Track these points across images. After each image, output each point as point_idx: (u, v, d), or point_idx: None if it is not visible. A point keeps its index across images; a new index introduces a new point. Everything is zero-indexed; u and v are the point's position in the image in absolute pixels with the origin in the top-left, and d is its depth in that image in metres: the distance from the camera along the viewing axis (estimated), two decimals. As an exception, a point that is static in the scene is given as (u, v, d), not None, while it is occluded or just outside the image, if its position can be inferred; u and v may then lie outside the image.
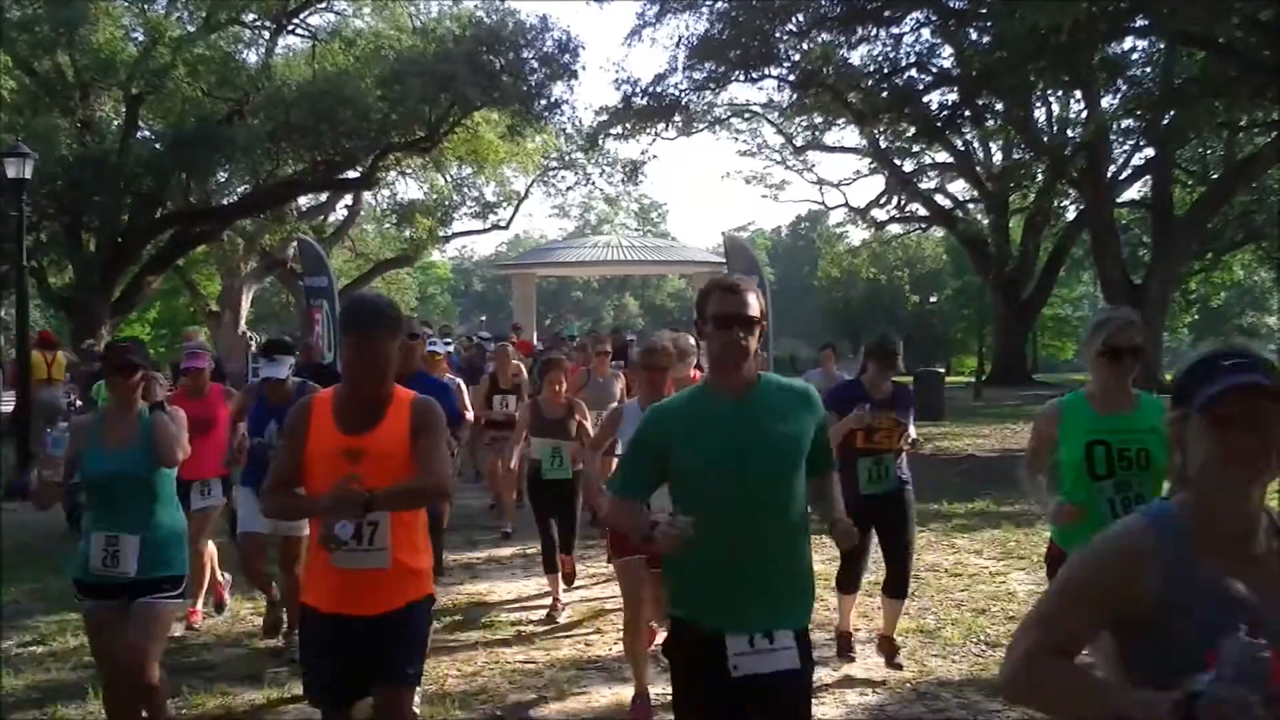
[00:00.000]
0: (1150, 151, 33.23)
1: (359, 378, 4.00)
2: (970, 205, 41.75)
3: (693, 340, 8.20)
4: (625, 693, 6.67)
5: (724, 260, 23.46)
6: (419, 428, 4.02)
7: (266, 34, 30.89)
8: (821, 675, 6.96)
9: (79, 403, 19.82)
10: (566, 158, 38.76)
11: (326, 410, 4.04)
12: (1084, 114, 33.32)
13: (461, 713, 6.40)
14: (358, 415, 3.99)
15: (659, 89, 31.62)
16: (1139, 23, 25.87)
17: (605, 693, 6.78)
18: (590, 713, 6.47)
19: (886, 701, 6.57)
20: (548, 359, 9.66)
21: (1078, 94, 33.48)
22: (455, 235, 44.59)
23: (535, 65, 28.81)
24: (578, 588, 9.35)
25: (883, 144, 36.48)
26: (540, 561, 9.21)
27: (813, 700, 4.38)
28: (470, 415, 10.85)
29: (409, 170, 35.84)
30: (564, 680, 7.04)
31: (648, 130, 33.76)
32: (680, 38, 31.34)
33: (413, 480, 3.95)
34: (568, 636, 8.05)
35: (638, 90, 31.63)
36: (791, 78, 32.37)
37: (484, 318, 55.39)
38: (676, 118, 33.51)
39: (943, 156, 38.85)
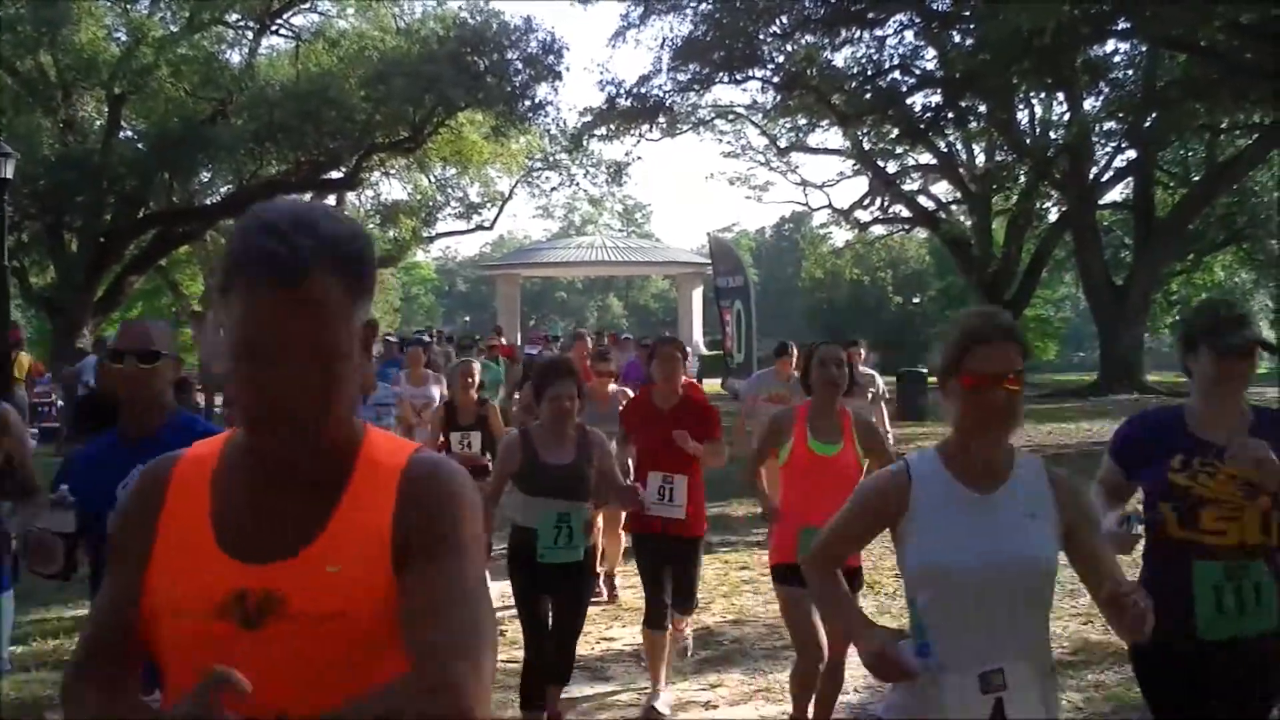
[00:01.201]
0: (1132, 154, 33.37)
1: (264, 407, 1.63)
2: (953, 207, 41.79)
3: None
4: (606, 692, 6.70)
5: (709, 261, 23.50)
6: (417, 538, 1.68)
7: (250, 34, 30.87)
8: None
9: (60, 404, 19.80)
10: (551, 158, 38.74)
11: (199, 498, 1.74)
12: (1066, 116, 33.46)
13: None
14: (269, 507, 1.70)
15: (643, 90, 31.67)
16: (1121, 25, 26.01)
17: (587, 692, 6.79)
18: (572, 713, 6.46)
19: (868, 701, 6.59)
20: (550, 362, 6.29)
21: (1060, 96, 33.60)
22: (439, 236, 44.57)
23: (519, 66, 28.88)
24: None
25: (866, 146, 36.51)
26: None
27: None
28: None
29: (393, 170, 35.81)
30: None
31: (632, 131, 33.78)
32: (664, 39, 31.45)
33: (391, 691, 1.58)
34: (550, 636, 8.04)
35: (622, 91, 31.69)
36: (775, 79, 32.43)
37: (468, 318, 55.36)
38: (660, 119, 33.53)
39: (926, 158, 38.86)
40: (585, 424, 6.37)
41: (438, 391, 10.20)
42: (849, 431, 5.44)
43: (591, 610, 8.41)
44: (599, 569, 9.28)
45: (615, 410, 7.89)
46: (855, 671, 6.97)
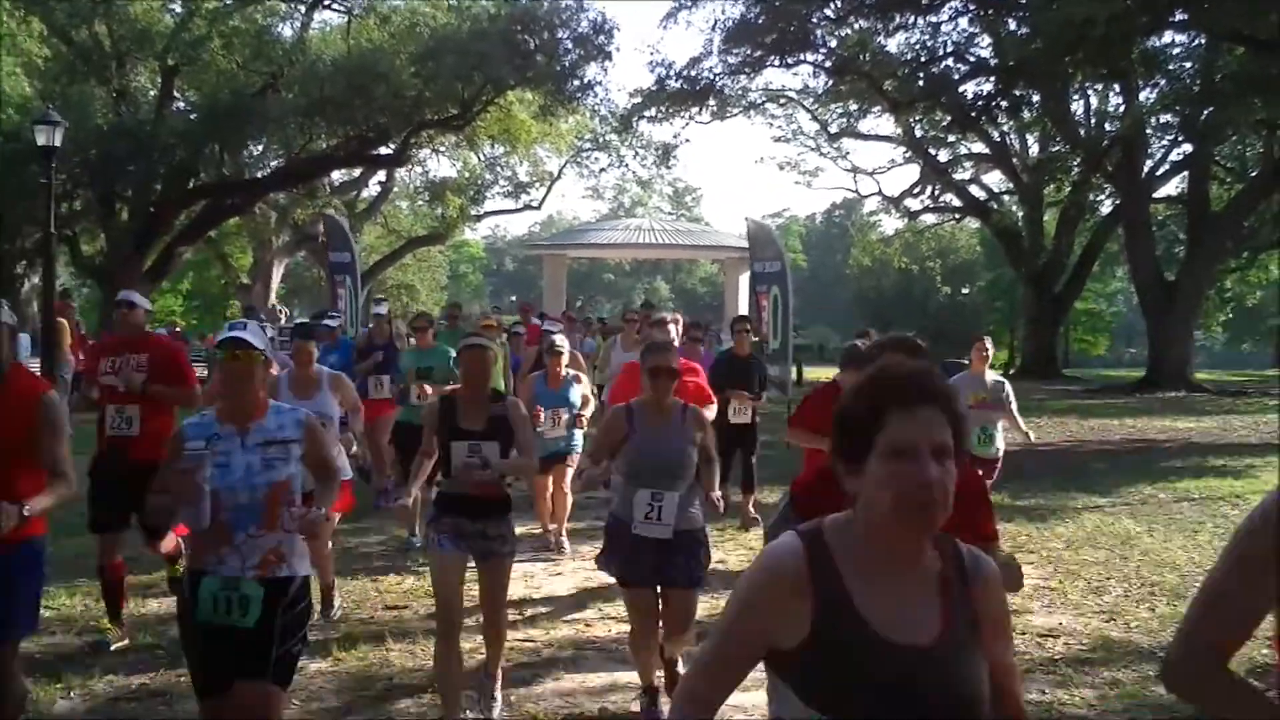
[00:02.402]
0: (1188, 147, 32.90)
1: None
2: (1005, 197, 41.49)
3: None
4: (621, 674, 6.67)
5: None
6: None
7: (302, 8, 31.04)
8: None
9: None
10: (600, 139, 38.77)
11: None
12: (1121, 108, 33.06)
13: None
14: None
15: (693, 72, 31.61)
16: (1178, 17, 25.62)
17: (602, 674, 6.77)
18: (585, 693, 6.45)
19: None
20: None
21: (1116, 87, 33.19)
22: (487, 214, 44.79)
23: (569, 46, 28.77)
24: (578, 568, 9.25)
25: (918, 133, 36.30)
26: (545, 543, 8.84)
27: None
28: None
29: (442, 148, 35.90)
30: (562, 660, 7.03)
31: (681, 113, 33.74)
32: (716, 21, 31.38)
33: None
34: (566, 618, 8.00)
35: (672, 73, 31.64)
36: (827, 64, 32.30)
37: (514, 297, 55.36)
38: (710, 101, 33.48)
39: (978, 147, 38.62)
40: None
41: (335, 405, 7.66)
42: None
43: (613, 597, 8.29)
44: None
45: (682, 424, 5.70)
46: None
